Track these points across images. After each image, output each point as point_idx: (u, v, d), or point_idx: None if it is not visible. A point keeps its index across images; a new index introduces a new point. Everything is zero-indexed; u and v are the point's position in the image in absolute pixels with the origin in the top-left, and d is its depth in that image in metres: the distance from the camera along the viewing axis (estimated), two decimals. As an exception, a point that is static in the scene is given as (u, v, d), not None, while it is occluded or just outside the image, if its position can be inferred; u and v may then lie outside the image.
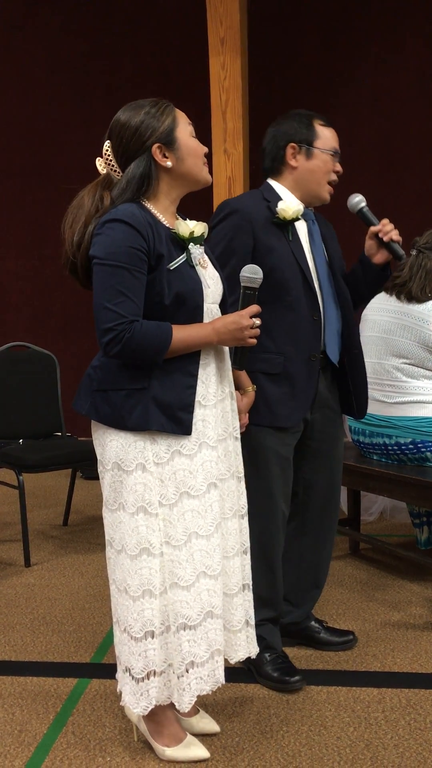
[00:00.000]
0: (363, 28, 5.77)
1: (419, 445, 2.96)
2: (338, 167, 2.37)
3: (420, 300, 2.94)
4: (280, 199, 2.31)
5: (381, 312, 3.06)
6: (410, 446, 2.98)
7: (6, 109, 6.29)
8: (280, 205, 2.26)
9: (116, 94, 6.05)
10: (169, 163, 1.85)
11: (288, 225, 2.28)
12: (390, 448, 3.05)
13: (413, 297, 2.96)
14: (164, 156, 1.85)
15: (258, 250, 2.23)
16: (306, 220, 2.36)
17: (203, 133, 4.98)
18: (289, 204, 2.27)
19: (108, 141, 1.89)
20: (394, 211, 5.62)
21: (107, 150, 1.89)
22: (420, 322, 2.92)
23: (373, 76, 5.78)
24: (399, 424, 2.99)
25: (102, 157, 1.91)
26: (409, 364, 2.97)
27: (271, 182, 2.38)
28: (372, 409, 3.08)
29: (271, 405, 2.27)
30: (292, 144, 2.32)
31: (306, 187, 2.34)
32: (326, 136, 2.34)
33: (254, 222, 2.26)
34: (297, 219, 2.28)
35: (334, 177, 2.36)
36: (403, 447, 3.00)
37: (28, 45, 6.22)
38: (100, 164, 1.92)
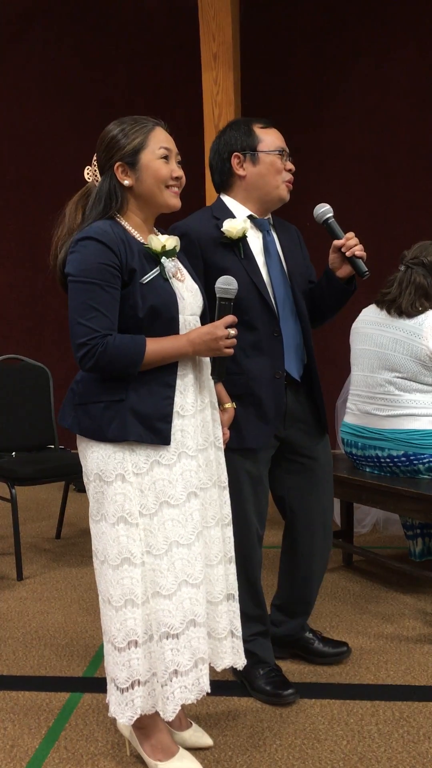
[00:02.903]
0: (353, 42, 5.83)
1: (411, 458, 2.97)
2: (289, 165, 2.32)
3: (410, 315, 2.96)
4: (230, 215, 2.28)
5: (373, 325, 3.07)
6: (402, 458, 2.99)
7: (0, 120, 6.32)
8: (226, 225, 2.22)
9: (110, 108, 6.09)
10: (126, 182, 1.89)
11: (237, 243, 2.24)
12: (382, 460, 3.05)
13: (403, 312, 2.97)
14: (125, 175, 1.89)
15: (210, 272, 2.18)
16: (261, 231, 2.32)
17: (196, 148, 4.99)
18: (234, 223, 2.22)
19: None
20: (385, 222, 5.65)
21: (95, 160, 1.96)
22: (412, 336, 2.93)
23: (363, 88, 5.84)
24: (391, 436, 3.00)
25: (91, 165, 1.97)
26: (401, 377, 2.97)
27: (223, 197, 2.35)
28: (364, 421, 3.09)
29: (239, 427, 2.23)
30: (236, 153, 2.29)
31: (260, 193, 2.30)
32: (268, 138, 2.29)
33: (203, 244, 2.22)
34: (244, 237, 2.24)
35: (288, 176, 2.31)
36: (395, 459, 3.01)
37: (22, 58, 6.25)
38: (87, 173, 1.97)
